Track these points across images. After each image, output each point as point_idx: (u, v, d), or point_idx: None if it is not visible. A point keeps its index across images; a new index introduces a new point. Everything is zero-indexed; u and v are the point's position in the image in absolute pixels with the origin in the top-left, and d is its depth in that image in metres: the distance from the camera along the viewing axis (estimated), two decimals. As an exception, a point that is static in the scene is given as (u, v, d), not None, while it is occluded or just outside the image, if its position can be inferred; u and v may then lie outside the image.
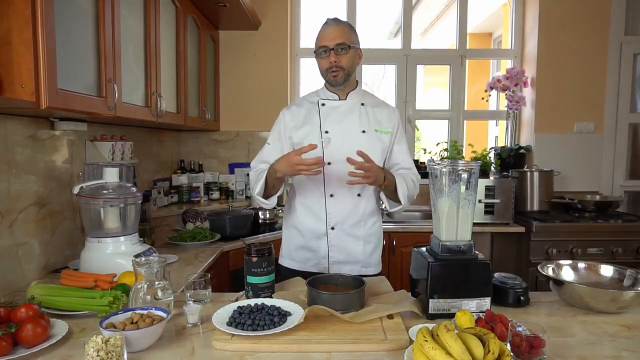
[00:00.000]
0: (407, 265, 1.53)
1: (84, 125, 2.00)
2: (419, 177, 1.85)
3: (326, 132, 1.74)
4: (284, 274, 1.80)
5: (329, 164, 1.72)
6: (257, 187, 1.69)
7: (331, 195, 1.75)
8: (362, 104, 1.79)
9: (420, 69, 3.82)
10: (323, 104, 1.79)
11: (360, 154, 1.54)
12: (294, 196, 1.84)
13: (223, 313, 1.26)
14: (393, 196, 1.72)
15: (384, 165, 1.78)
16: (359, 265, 1.79)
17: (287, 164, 1.56)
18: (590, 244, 2.84)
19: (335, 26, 1.69)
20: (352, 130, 1.75)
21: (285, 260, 1.88)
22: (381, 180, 1.62)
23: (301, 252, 1.82)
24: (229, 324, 1.20)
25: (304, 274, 1.66)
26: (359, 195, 1.76)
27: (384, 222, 3.10)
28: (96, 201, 1.68)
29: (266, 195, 1.72)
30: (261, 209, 2.90)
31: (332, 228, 1.76)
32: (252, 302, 1.31)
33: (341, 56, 1.67)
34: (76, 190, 1.69)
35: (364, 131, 1.75)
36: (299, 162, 1.51)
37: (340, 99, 1.78)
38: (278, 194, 1.74)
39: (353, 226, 1.77)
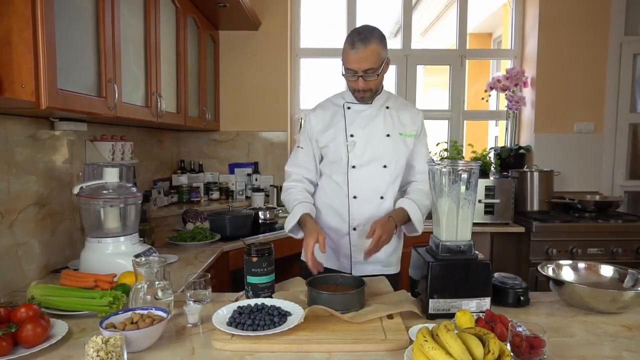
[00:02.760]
0: (407, 265, 1.53)
1: (84, 125, 2.00)
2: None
3: (351, 135, 1.75)
4: (306, 270, 1.72)
5: (354, 167, 1.74)
6: (288, 222, 1.72)
7: (354, 197, 1.76)
8: (387, 107, 1.79)
9: (420, 69, 3.82)
10: (349, 107, 1.79)
11: (371, 232, 1.58)
12: (319, 195, 1.85)
13: (223, 313, 1.26)
14: (411, 224, 1.73)
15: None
16: (380, 265, 1.81)
17: (308, 235, 1.58)
18: (590, 244, 2.84)
19: (364, 48, 1.59)
20: (376, 134, 1.75)
21: None
22: (393, 229, 1.63)
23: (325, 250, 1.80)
24: (229, 324, 1.20)
25: (326, 271, 1.65)
26: (382, 198, 1.77)
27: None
28: (96, 201, 1.68)
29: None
30: (261, 209, 2.91)
31: (354, 229, 1.77)
32: (252, 302, 1.31)
33: (370, 81, 1.65)
34: (76, 190, 1.69)
35: (388, 135, 1.76)
36: (307, 246, 1.55)
37: (365, 103, 1.78)
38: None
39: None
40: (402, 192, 1.84)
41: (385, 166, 1.75)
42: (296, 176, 1.83)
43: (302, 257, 1.59)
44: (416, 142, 1.81)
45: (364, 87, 1.66)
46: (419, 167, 1.82)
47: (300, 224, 1.68)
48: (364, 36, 1.60)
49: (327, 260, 1.81)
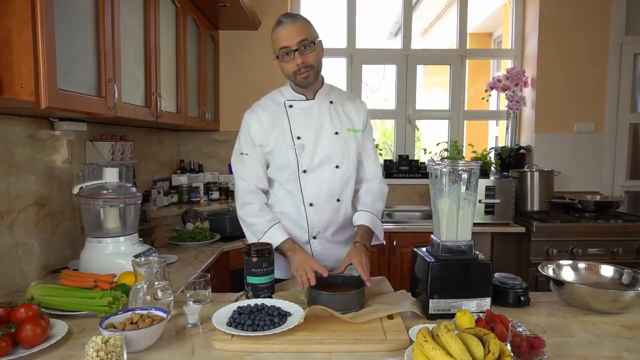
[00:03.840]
0: (407, 265, 1.53)
1: (84, 125, 2.00)
2: (382, 180, 1.78)
3: (298, 137, 1.62)
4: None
5: (305, 171, 1.62)
6: (254, 238, 1.60)
7: (311, 204, 1.65)
8: (331, 102, 1.68)
9: (420, 69, 3.82)
10: (291, 106, 1.66)
11: (344, 266, 1.50)
12: (273, 204, 1.71)
13: (223, 313, 1.26)
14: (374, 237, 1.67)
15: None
16: (347, 269, 1.71)
17: (300, 265, 1.46)
18: (590, 244, 2.84)
19: (292, 23, 1.53)
20: (324, 133, 1.64)
21: None
22: (365, 251, 1.56)
23: (283, 259, 1.64)
24: (229, 324, 1.20)
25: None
26: (338, 200, 1.68)
27: (384, 222, 3.11)
28: (96, 201, 1.68)
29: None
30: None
31: (314, 237, 1.68)
32: (252, 302, 1.31)
33: (307, 55, 1.53)
34: (76, 190, 1.69)
35: (336, 132, 1.65)
36: (308, 271, 1.43)
37: (307, 99, 1.65)
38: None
39: (335, 233, 1.69)
40: (355, 191, 1.74)
41: (337, 166, 1.65)
42: (249, 186, 1.66)
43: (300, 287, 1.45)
44: (363, 136, 1.71)
45: (302, 61, 1.53)
46: (367, 164, 1.73)
47: (281, 249, 1.56)
48: (288, 15, 1.58)
49: (287, 270, 1.64)
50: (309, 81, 1.58)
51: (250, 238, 1.64)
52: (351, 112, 1.70)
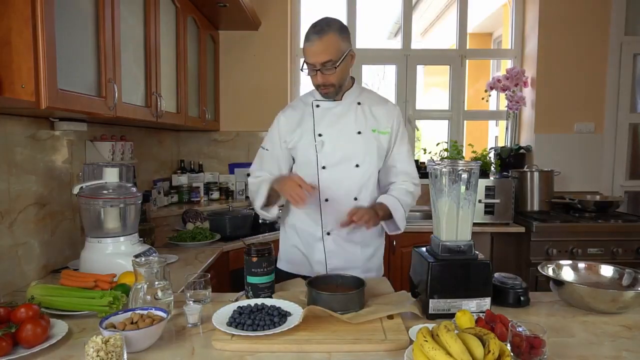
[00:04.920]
0: (407, 265, 1.53)
1: (84, 125, 2.00)
2: (418, 181, 1.77)
3: (319, 135, 1.67)
4: (281, 278, 1.70)
5: (324, 167, 1.67)
6: (257, 200, 1.67)
7: (326, 200, 1.68)
8: (359, 103, 1.71)
9: (420, 69, 3.82)
10: (317, 106, 1.71)
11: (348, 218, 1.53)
12: None
13: (223, 313, 1.26)
14: (392, 222, 1.67)
15: (382, 165, 1.73)
16: (359, 270, 1.70)
17: (286, 185, 1.53)
18: (590, 244, 2.84)
19: (319, 40, 1.53)
20: (346, 132, 1.67)
21: (281, 263, 1.83)
22: (375, 219, 1.58)
23: (298, 253, 1.76)
24: (229, 324, 1.20)
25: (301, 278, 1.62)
26: (355, 199, 1.69)
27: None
28: (96, 201, 1.68)
29: (266, 205, 1.69)
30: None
31: (328, 233, 1.70)
32: (252, 302, 1.31)
33: (329, 75, 1.57)
34: (76, 190, 1.69)
35: (359, 132, 1.67)
36: (294, 187, 1.50)
37: (335, 100, 1.70)
38: (278, 204, 1.71)
39: (351, 232, 1.68)
40: (376, 192, 1.75)
41: (357, 165, 1.67)
42: (261, 174, 1.75)
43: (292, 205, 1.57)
44: (396, 141, 1.72)
45: (323, 81, 1.58)
46: (401, 168, 1.73)
47: (271, 196, 1.64)
48: (319, 28, 1.54)
49: (301, 266, 1.75)
50: (329, 95, 1.65)
51: (254, 199, 1.71)
52: (380, 115, 1.71)
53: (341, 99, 1.70)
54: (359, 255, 1.73)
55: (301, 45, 3.67)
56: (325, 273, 1.70)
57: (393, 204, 1.64)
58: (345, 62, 1.59)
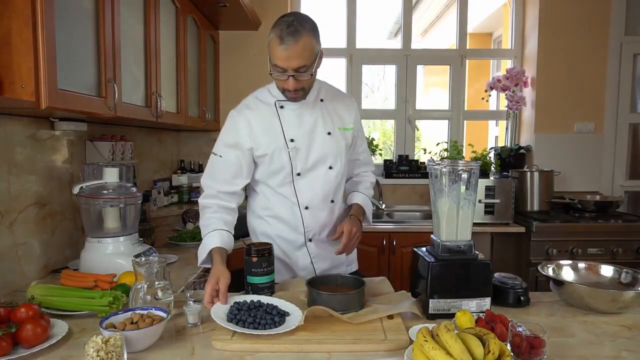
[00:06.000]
0: (407, 265, 1.54)
1: (84, 125, 2.00)
2: (374, 167, 1.88)
3: (292, 140, 1.56)
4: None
5: (299, 174, 1.60)
6: (200, 253, 1.50)
7: (306, 208, 1.63)
8: (322, 100, 1.63)
9: (420, 69, 3.82)
10: (282, 107, 1.59)
11: (339, 234, 1.59)
12: (265, 207, 1.69)
13: (221, 308, 1.26)
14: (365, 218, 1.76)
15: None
16: (344, 266, 1.75)
17: (209, 282, 1.32)
18: (590, 244, 2.84)
19: (294, 44, 1.36)
20: (317, 134, 1.59)
21: None
22: (359, 223, 1.67)
23: (279, 264, 1.66)
24: (230, 320, 1.21)
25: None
26: (332, 201, 1.67)
27: (384, 222, 3.11)
28: (96, 201, 1.68)
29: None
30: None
31: (310, 240, 1.67)
32: (248, 298, 1.32)
33: (302, 80, 1.44)
34: (76, 190, 1.69)
35: (329, 133, 1.61)
36: (205, 293, 1.30)
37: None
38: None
39: (330, 233, 1.69)
40: (348, 185, 1.81)
41: (331, 167, 1.63)
42: (211, 191, 1.59)
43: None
44: (356, 136, 1.71)
45: (295, 86, 1.44)
46: (364, 159, 1.81)
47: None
48: (294, 29, 1.36)
49: (284, 276, 1.69)
50: (297, 100, 1.52)
51: (199, 250, 1.54)
52: (342, 111, 1.67)
53: (304, 98, 1.56)
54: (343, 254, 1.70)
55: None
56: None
57: (365, 202, 1.74)
58: (316, 65, 1.46)
